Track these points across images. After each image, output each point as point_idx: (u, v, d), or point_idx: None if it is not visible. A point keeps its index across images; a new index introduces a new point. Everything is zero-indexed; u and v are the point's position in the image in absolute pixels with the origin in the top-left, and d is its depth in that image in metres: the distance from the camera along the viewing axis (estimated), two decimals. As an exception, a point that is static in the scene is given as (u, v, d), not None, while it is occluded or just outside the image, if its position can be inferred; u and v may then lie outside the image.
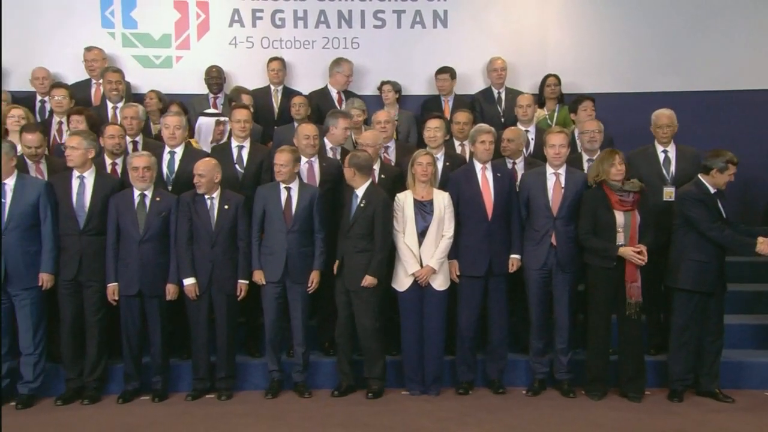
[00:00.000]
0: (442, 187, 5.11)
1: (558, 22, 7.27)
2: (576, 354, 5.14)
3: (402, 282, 4.97)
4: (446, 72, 6.78)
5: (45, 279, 4.76)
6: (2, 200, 4.69)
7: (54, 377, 4.96)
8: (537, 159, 5.52)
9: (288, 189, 4.99)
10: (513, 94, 6.61)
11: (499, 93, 6.87)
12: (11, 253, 4.67)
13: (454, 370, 5.17)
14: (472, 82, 7.10)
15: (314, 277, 4.99)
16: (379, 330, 4.97)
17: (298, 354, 5.07)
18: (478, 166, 5.11)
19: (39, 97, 6.46)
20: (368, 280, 4.87)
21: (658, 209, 5.15)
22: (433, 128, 5.42)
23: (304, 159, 5.24)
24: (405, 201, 4.97)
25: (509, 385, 5.17)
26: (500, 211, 5.04)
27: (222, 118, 5.85)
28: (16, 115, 5.48)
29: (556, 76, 6.69)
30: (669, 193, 5.26)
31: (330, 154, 5.51)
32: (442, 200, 4.96)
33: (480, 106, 6.78)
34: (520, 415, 4.73)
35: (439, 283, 4.96)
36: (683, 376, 4.97)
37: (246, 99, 6.21)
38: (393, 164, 5.62)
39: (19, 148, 5.09)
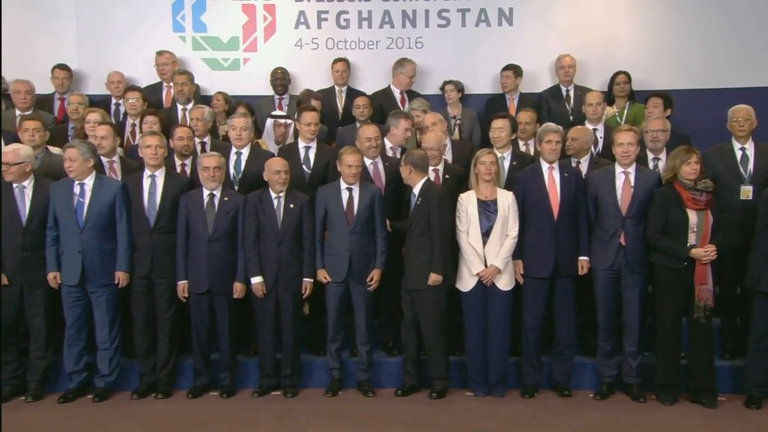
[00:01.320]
0: (508, 186, 5.06)
1: (627, 16, 7.10)
2: (645, 357, 5.01)
3: (466, 282, 4.94)
4: (510, 69, 6.71)
5: (120, 277, 4.91)
6: (81, 200, 4.86)
7: (129, 372, 5.12)
8: (605, 158, 5.40)
9: (350, 190, 5.02)
10: (581, 92, 6.50)
11: (567, 91, 6.76)
12: (88, 251, 4.83)
13: (519, 371, 5.11)
14: (538, 80, 7.01)
15: (375, 276, 5.01)
16: (442, 329, 4.95)
17: (362, 353, 5.09)
18: (544, 165, 5.03)
19: (114, 100, 6.66)
20: (433, 278, 4.85)
21: (734, 209, 4.97)
22: (497, 128, 5.37)
23: (368, 160, 5.27)
24: (468, 201, 4.94)
25: (575, 388, 5.08)
26: (567, 211, 4.95)
27: (281, 120, 5.93)
28: (91, 120, 5.65)
29: (625, 73, 6.53)
30: (746, 191, 5.08)
31: (390, 155, 5.53)
32: (506, 200, 4.91)
33: (548, 104, 6.68)
34: (588, 418, 4.64)
35: (504, 284, 4.91)
36: (762, 382, 4.78)
37: (315, 104, 6.28)
38: (450, 163, 5.59)
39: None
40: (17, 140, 5.61)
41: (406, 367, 5.10)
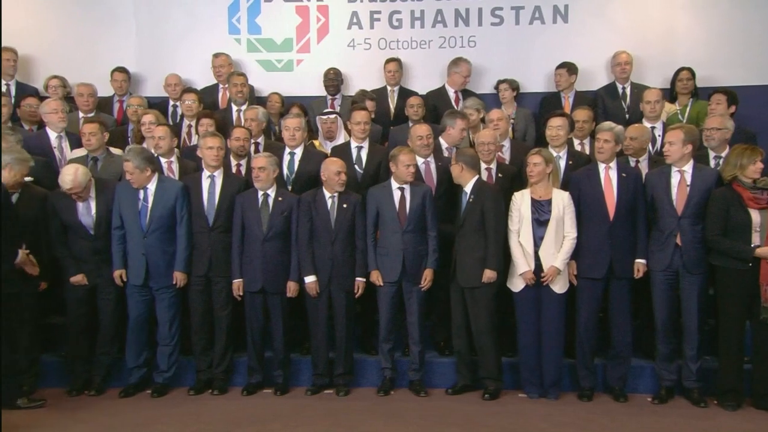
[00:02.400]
0: (564, 186, 4.98)
1: (687, 10, 6.93)
2: (706, 361, 4.89)
3: (518, 282, 4.89)
4: (564, 67, 6.62)
5: (179, 278, 5.01)
6: (145, 204, 4.95)
7: (186, 369, 5.22)
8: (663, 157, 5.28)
9: (401, 189, 5.02)
10: (639, 90, 6.36)
11: (623, 88, 6.63)
12: (152, 253, 4.94)
13: (574, 374, 5.03)
14: (594, 78, 6.89)
15: (427, 276, 4.99)
16: (493, 328, 4.91)
17: (414, 353, 5.08)
18: (601, 165, 4.94)
19: (171, 102, 6.80)
20: (488, 275, 4.82)
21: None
22: (555, 127, 5.29)
23: (420, 159, 5.26)
24: (522, 200, 4.89)
25: (632, 392, 4.98)
26: (624, 211, 4.86)
27: (324, 117, 5.96)
28: (146, 121, 5.76)
29: (689, 70, 6.37)
30: None
31: (446, 155, 5.50)
32: (561, 200, 4.84)
33: (603, 102, 6.56)
34: (647, 423, 4.54)
35: (558, 285, 4.84)
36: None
37: (370, 105, 6.30)
38: (508, 163, 5.55)
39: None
40: (81, 143, 5.80)
41: (459, 367, 5.07)
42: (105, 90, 6.83)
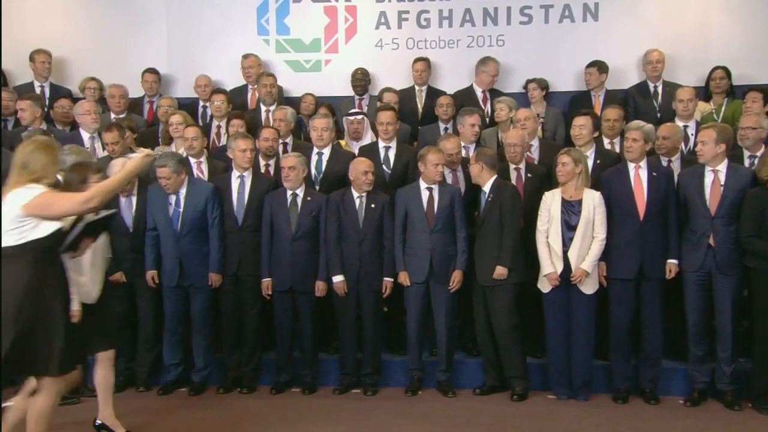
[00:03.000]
0: (593, 185, 4.93)
1: (722, 7, 6.82)
2: (740, 364, 4.80)
3: (546, 283, 4.84)
4: (594, 65, 6.55)
5: (213, 279, 5.04)
6: (177, 209, 4.99)
7: (214, 367, 5.24)
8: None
9: (429, 190, 5.00)
10: (671, 88, 6.28)
11: (655, 87, 6.53)
12: (186, 255, 4.97)
13: (603, 375, 4.97)
14: (625, 76, 6.80)
15: (456, 277, 4.97)
16: (514, 327, 4.88)
17: (442, 353, 5.07)
18: (631, 164, 4.88)
19: (201, 103, 6.85)
20: (499, 271, 4.80)
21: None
22: (578, 126, 5.25)
23: (447, 169, 5.24)
24: (552, 200, 4.85)
25: (664, 394, 4.91)
26: (654, 211, 4.79)
27: (351, 117, 5.97)
28: (174, 122, 5.81)
29: (724, 68, 6.26)
30: None
31: (463, 154, 5.49)
32: (592, 200, 4.79)
33: (634, 101, 6.49)
34: (680, 426, 4.48)
35: (587, 286, 4.79)
36: None
37: (389, 96, 6.30)
38: (536, 162, 5.51)
39: (181, 150, 5.45)
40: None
41: (485, 367, 5.05)
42: (136, 91, 6.91)
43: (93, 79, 6.73)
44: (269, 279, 5.04)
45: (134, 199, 5.10)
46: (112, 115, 6.50)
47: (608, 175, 4.95)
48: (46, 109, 6.38)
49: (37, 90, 6.79)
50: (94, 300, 4.06)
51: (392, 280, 5.05)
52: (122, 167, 4.77)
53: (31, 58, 6.86)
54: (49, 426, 3.55)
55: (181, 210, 4.99)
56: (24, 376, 3.77)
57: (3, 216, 3.39)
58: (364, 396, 5.04)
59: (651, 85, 6.54)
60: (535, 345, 5.14)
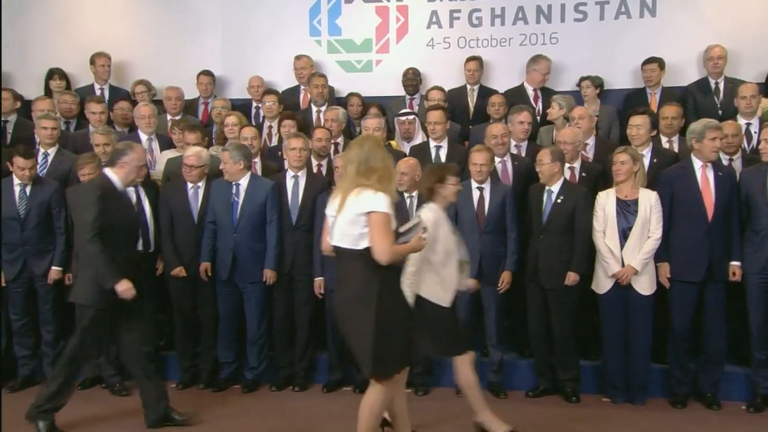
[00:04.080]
0: (651, 185, 4.82)
1: (788, 0, 6.58)
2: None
3: (602, 284, 4.77)
4: (654, 62, 6.39)
5: (269, 275, 5.08)
6: (236, 200, 5.05)
7: (267, 365, 5.28)
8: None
9: (480, 189, 4.97)
10: (734, 84, 6.09)
11: (716, 83, 6.35)
12: (240, 249, 5.02)
13: (661, 378, 4.86)
14: (683, 73, 6.63)
15: (505, 278, 4.93)
16: (574, 329, 4.81)
17: (493, 354, 5.04)
18: (697, 164, 4.75)
19: (254, 104, 6.94)
20: (572, 277, 4.73)
21: None
22: (635, 125, 5.15)
23: (496, 159, 5.21)
24: (607, 200, 4.76)
25: (725, 399, 4.78)
26: (722, 212, 4.67)
27: (402, 117, 5.96)
28: (229, 123, 5.89)
29: (788, 63, 6.06)
30: None
31: (514, 152, 5.45)
32: (648, 200, 4.69)
33: (693, 98, 6.31)
34: (741, 432, 4.35)
35: (644, 286, 4.69)
36: None
37: (436, 95, 6.28)
38: (591, 161, 5.42)
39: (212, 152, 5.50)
40: (171, 144, 6.01)
41: (538, 369, 4.99)
42: (191, 93, 7.04)
43: (141, 82, 6.88)
44: (322, 278, 5.07)
45: (201, 192, 5.18)
46: (168, 117, 6.63)
47: (671, 174, 4.82)
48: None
49: (97, 92, 6.98)
50: (449, 303, 4.07)
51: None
52: (199, 151, 5.10)
53: (92, 61, 7.06)
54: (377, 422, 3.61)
55: (241, 202, 5.03)
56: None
57: (349, 212, 3.36)
58: (415, 395, 5.03)
59: (712, 82, 6.35)
60: (590, 347, 5.05)
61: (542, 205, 4.85)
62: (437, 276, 4.00)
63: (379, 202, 3.32)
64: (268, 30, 7.34)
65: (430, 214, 4.01)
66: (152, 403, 4.41)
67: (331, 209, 3.49)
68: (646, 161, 5.11)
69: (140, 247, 4.94)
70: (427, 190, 4.13)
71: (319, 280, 5.08)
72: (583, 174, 5.16)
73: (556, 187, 4.83)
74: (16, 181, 5.15)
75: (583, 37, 6.89)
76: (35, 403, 4.26)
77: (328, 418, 4.64)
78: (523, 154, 5.56)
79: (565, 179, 4.89)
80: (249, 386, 5.16)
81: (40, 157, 5.61)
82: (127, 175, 4.37)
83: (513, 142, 5.51)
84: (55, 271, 5.17)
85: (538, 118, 6.33)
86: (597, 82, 6.42)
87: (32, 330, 5.29)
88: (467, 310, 4.99)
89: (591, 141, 5.58)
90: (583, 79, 6.46)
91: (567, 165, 5.12)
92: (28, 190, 5.15)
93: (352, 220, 3.35)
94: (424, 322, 3.89)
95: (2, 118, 6.37)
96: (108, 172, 4.35)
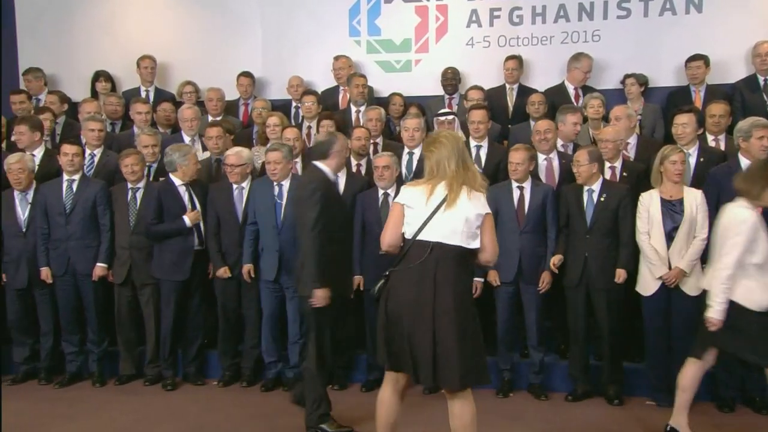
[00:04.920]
0: (697, 184, 4.72)
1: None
2: None
3: (647, 285, 4.68)
4: (699, 59, 6.26)
5: None
6: (279, 201, 5.07)
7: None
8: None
9: (521, 188, 4.92)
10: (783, 81, 5.94)
11: (765, 80, 6.20)
12: (286, 249, 5.01)
13: (706, 381, 4.73)
14: (729, 70, 6.48)
15: (545, 278, 4.89)
16: (619, 331, 4.75)
17: (533, 355, 4.99)
18: (744, 162, 4.65)
19: (294, 104, 6.99)
20: (622, 276, 4.68)
21: None
22: (681, 124, 5.05)
23: (541, 156, 5.15)
24: (651, 200, 4.67)
25: (775, 405, 4.64)
26: (772, 212, 4.54)
27: (442, 117, 5.94)
28: (271, 123, 5.93)
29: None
30: None
31: (562, 151, 5.39)
32: (694, 199, 4.59)
33: (741, 95, 6.17)
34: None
35: (691, 287, 4.58)
36: None
37: (475, 94, 6.24)
38: (633, 160, 5.33)
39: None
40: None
41: (573, 372, 4.94)
42: (232, 94, 7.12)
43: (189, 83, 6.98)
44: (360, 277, 5.07)
45: (245, 193, 5.23)
46: (209, 118, 6.72)
47: (718, 173, 4.72)
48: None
49: (143, 94, 7.11)
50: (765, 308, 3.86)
51: (482, 280, 4.99)
52: (240, 151, 5.18)
53: (137, 64, 7.20)
54: None
55: (284, 202, 5.05)
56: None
57: (467, 210, 3.29)
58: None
59: (761, 79, 6.20)
60: (632, 349, 4.96)
61: (584, 205, 4.79)
62: (754, 280, 3.87)
63: (486, 204, 3.35)
64: (308, 31, 7.38)
65: (747, 214, 3.86)
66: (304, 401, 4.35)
67: (420, 202, 3.30)
68: (692, 160, 5.03)
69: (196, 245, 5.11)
70: (761, 187, 3.88)
71: (357, 279, 5.07)
72: (624, 173, 5.08)
73: (596, 186, 4.76)
74: (65, 177, 5.30)
75: (627, 35, 6.78)
76: (309, 416, 4.26)
77: (366, 417, 4.62)
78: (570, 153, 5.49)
79: (604, 178, 4.82)
80: (290, 385, 5.16)
81: (86, 158, 5.75)
82: (339, 165, 4.37)
83: (560, 141, 5.44)
84: (99, 267, 5.29)
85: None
86: (641, 80, 6.31)
87: (78, 327, 5.42)
88: (509, 311, 4.95)
89: (633, 140, 5.49)
90: (627, 76, 6.36)
91: (607, 165, 5.06)
92: (74, 186, 5.29)
93: (470, 218, 3.27)
94: (735, 328, 3.81)
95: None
96: (320, 164, 4.28)
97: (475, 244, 3.30)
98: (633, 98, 6.28)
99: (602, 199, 4.73)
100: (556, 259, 4.84)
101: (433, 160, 3.35)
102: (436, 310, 3.24)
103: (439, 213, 3.26)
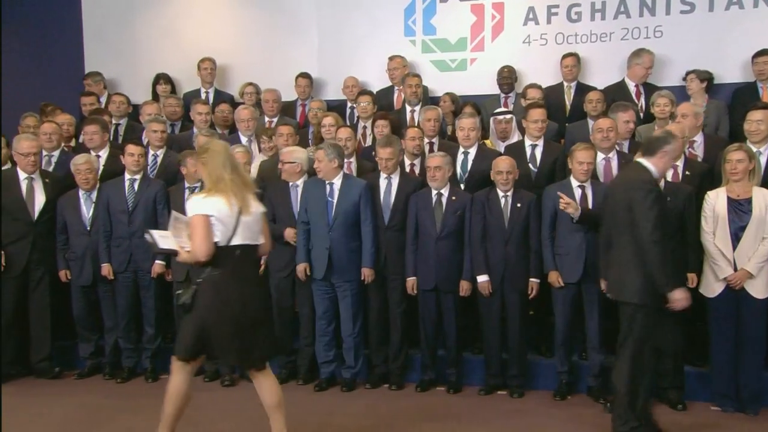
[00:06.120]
0: (766, 184, 4.55)
1: None
2: None
3: (712, 287, 4.54)
4: (766, 54, 6.03)
5: (367, 274, 5.08)
6: (330, 199, 5.10)
7: (362, 364, 5.29)
8: None
9: (582, 188, 4.83)
10: None
11: (837, 75, 5.93)
12: (335, 248, 5.05)
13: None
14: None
15: None
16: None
17: (593, 358, 4.89)
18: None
19: (349, 104, 7.02)
20: (694, 279, 4.56)
21: None
22: (755, 120, 4.88)
23: (600, 155, 5.05)
24: (717, 199, 4.53)
25: None
26: None
27: (500, 116, 5.87)
28: (327, 124, 5.96)
29: None
30: None
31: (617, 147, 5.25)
32: (762, 199, 4.44)
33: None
34: None
35: (758, 290, 4.44)
36: None
37: (534, 92, 6.15)
38: (700, 159, 5.17)
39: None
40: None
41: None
42: (289, 95, 7.19)
43: (251, 84, 7.08)
44: (414, 278, 5.06)
45: (299, 191, 5.27)
46: (266, 118, 6.81)
47: None
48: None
49: (203, 96, 7.25)
50: None
51: (539, 281, 4.92)
52: (305, 153, 5.31)
53: (198, 67, 7.35)
54: None
55: (335, 201, 5.08)
56: None
57: (258, 215, 3.78)
58: (510, 398, 4.96)
59: (831, 74, 5.95)
60: (696, 353, 4.83)
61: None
62: None
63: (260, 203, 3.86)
64: (364, 31, 7.41)
65: None
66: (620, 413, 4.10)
67: (223, 210, 3.61)
68: (764, 159, 4.86)
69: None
70: None
71: (411, 280, 5.06)
72: (687, 172, 4.93)
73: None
74: (127, 176, 5.45)
75: (690, 30, 6.58)
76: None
77: (422, 418, 4.63)
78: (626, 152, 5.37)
79: (665, 180, 4.66)
80: (348, 385, 5.19)
81: (149, 158, 5.90)
82: (665, 166, 4.13)
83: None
84: (158, 265, 5.41)
85: (641, 114, 6.09)
86: (704, 77, 6.12)
87: (135, 323, 5.55)
88: (569, 312, 4.88)
89: (699, 138, 5.33)
90: (689, 73, 6.18)
91: (670, 163, 4.92)
92: (136, 185, 5.43)
93: (259, 218, 3.79)
94: None
95: (113, 121, 6.75)
96: (645, 162, 4.06)
97: (261, 240, 3.78)
98: (695, 95, 6.09)
99: (669, 199, 4.54)
100: None
101: (209, 169, 3.66)
102: (252, 302, 3.69)
103: (243, 218, 3.64)
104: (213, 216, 3.58)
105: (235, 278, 3.64)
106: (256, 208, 3.74)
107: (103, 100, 7.24)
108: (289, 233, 5.19)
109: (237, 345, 3.64)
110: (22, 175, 5.39)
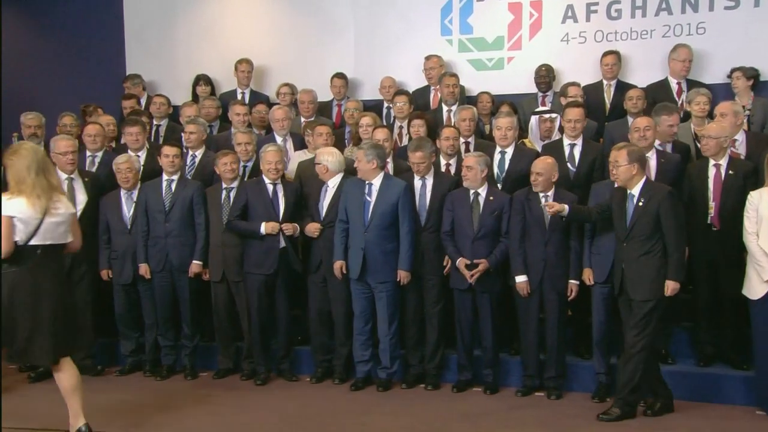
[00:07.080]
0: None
1: None
2: None
3: (755, 289, 4.44)
4: (815, 50, 5.88)
5: (403, 276, 5.06)
6: (368, 199, 5.09)
7: (399, 364, 5.30)
8: None
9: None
10: None
11: None
12: (371, 249, 5.04)
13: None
14: None
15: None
16: None
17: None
18: None
19: (386, 104, 7.01)
20: (671, 286, 4.37)
21: None
22: None
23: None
24: (761, 199, 4.42)
25: None
26: None
27: (546, 115, 5.81)
28: (364, 124, 5.96)
29: None
30: None
31: (660, 149, 5.15)
32: (808, 198, 4.31)
33: None
34: None
35: (807, 291, 4.31)
36: None
37: (574, 91, 6.08)
38: (743, 158, 5.05)
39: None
40: (303, 143, 6.20)
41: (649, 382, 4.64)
42: (325, 95, 7.22)
43: (286, 84, 7.12)
44: (461, 258, 4.96)
45: (331, 191, 5.27)
46: (302, 119, 6.83)
47: None
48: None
49: (239, 96, 7.32)
50: None
51: (578, 282, 4.86)
52: (338, 155, 5.29)
53: (235, 68, 7.42)
54: None
55: (373, 202, 5.07)
56: None
57: (68, 215, 4.01)
58: (548, 399, 4.91)
59: None
60: (742, 356, 4.75)
61: (626, 209, 4.46)
62: None
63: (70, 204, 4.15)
64: (400, 31, 7.40)
65: None
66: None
67: (27, 212, 3.79)
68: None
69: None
70: None
71: (462, 261, 4.95)
72: (731, 172, 4.82)
73: (636, 190, 4.43)
74: (164, 177, 5.53)
75: (735, 26, 6.41)
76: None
77: (458, 418, 4.61)
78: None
79: (647, 179, 4.51)
80: (384, 385, 5.18)
81: (188, 159, 5.99)
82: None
83: (657, 142, 5.22)
84: (195, 264, 5.47)
85: (681, 113, 5.97)
86: (750, 74, 5.96)
87: (173, 321, 5.63)
88: (605, 312, 4.81)
89: (740, 136, 5.21)
90: (734, 70, 6.03)
91: (712, 162, 4.82)
92: (173, 186, 5.51)
93: (69, 218, 4.01)
94: None
95: (153, 122, 6.86)
96: None
97: (70, 238, 3.99)
98: (740, 93, 5.95)
99: (640, 203, 4.40)
100: None
101: (14, 171, 3.82)
102: (49, 298, 3.87)
103: (47, 219, 3.83)
104: (15, 217, 3.76)
105: (32, 275, 3.83)
106: (66, 209, 3.95)
107: (143, 101, 7.37)
108: (310, 228, 5.24)
109: (36, 340, 3.84)
110: (62, 176, 5.46)
